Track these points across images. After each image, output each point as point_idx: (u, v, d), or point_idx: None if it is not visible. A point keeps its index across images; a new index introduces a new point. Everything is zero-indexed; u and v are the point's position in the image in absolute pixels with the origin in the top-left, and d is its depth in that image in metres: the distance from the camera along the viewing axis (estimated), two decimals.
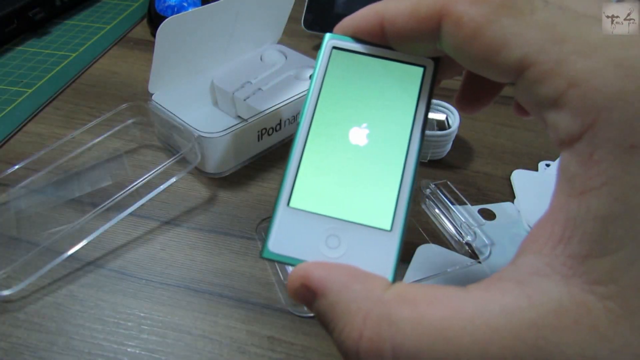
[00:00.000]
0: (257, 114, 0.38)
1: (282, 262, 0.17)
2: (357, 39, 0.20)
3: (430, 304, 0.14)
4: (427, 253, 0.33)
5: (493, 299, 0.14)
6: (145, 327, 0.29)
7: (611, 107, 0.13)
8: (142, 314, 0.29)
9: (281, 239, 0.17)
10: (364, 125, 0.19)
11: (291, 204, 0.18)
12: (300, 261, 0.17)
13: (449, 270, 0.31)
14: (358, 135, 0.19)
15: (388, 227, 0.17)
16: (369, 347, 0.14)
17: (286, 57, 0.45)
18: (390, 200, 0.18)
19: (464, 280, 0.31)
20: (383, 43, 0.19)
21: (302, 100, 0.38)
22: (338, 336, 0.15)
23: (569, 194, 0.14)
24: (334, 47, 0.20)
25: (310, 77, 0.20)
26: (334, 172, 0.18)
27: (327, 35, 0.20)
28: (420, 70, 0.20)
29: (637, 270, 0.13)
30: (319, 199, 0.18)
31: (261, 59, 0.45)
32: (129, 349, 0.28)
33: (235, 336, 0.28)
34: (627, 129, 0.13)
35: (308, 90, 0.20)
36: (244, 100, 0.39)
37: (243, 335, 0.29)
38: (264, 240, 0.18)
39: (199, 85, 0.42)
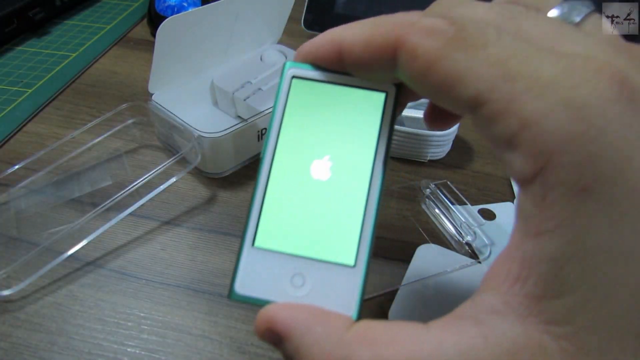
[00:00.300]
0: (257, 114, 0.38)
1: (250, 303, 0.17)
2: (317, 66, 0.19)
3: (389, 344, 0.14)
4: (427, 253, 0.33)
5: (450, 339, 0.14)
6: (145, 327, 0.29)
7: (562, 150, 0.13)
8: (142, 314, 0.29)
9: (247, 280, 0.17)
10: (327, 157, 0.19)
11: (256, 244, 0.18)
12: (267, 302, 0.17)
13: (449, 270, 0.31)
14: (320, 169, 0.19)
15: (352, 263, 0.17)
16: None
17: (286, 57, 0.45)
18: (353, 235, 0.18)
19: (464, 280, 0.31)
20: (343, 70, 0.19)
21: None
22: None
23: (525, 233, 0.14)
24: (294, 77, 0.20)
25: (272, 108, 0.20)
26: (297, 210, 0.18)
27: (287, 64, 0.20)
28: (382, 95, 0.19)
29: (591, 311, 0.13)
30: (283, 238, 0.18)
31: (261, 59, 0.45)
32: (129, 349, 0.28)
33: (235, 336, 0.28)
34: (578, 172, 0.13)
35: (270, 123, 0.19)
36: (244, 100, 0.39)
37: (243, 335, 0.29)
38: (230, 281, 0.17)
39: (199, 85, 0.42)
